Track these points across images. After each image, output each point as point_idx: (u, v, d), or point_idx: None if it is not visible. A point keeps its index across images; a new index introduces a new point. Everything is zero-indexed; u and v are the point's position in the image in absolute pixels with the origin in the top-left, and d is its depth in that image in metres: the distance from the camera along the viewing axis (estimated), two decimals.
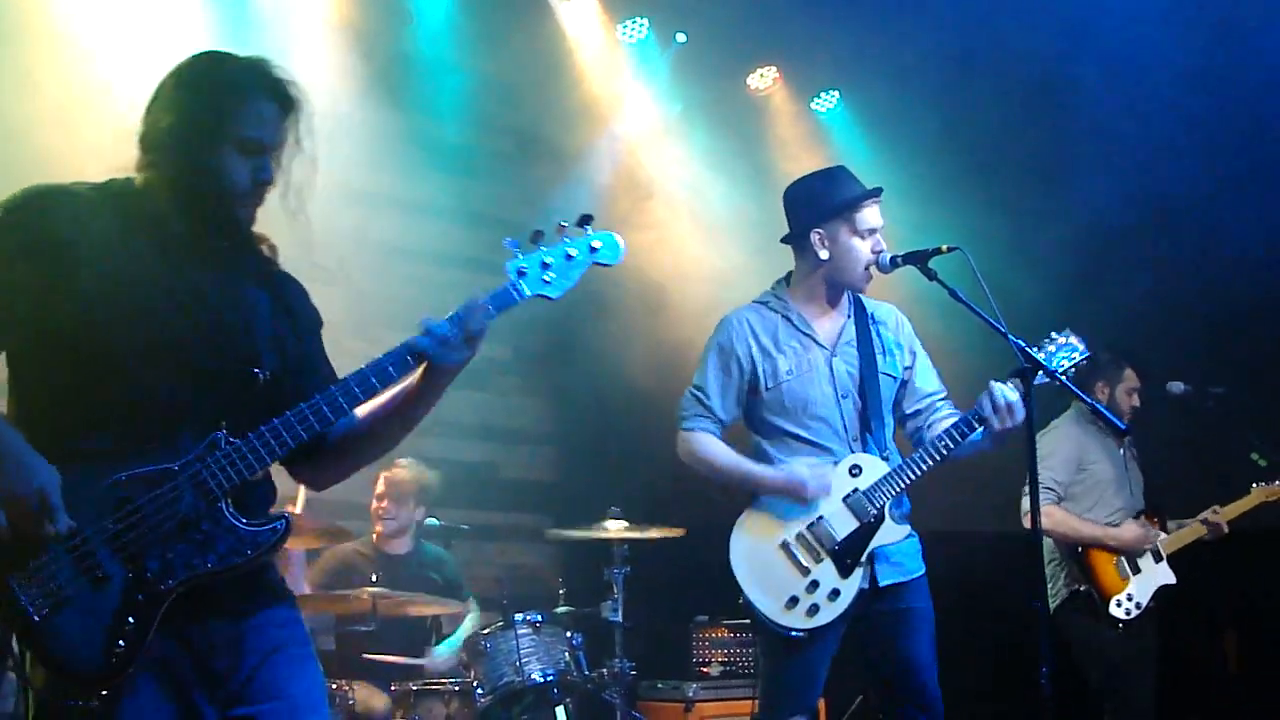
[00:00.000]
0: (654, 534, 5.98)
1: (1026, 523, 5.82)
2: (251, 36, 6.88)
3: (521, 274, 2.85)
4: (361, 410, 2.85)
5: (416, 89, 7.48)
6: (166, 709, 2.60)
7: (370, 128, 7.35)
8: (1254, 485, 6.05)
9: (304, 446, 2.76)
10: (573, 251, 2.87)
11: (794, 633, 4.19)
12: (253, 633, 2.72)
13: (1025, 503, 5.83)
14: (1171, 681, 5.93)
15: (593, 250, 2.89)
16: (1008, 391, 4.06)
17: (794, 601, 4.19)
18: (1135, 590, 5.87)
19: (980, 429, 4.16)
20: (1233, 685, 7.32)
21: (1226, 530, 6.04)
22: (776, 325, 4.45)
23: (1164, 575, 5.97)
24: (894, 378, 4.47)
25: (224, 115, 2.72)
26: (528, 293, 2.85)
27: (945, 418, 4.39)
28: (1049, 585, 5.98)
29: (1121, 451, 6.19)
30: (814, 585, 4.20)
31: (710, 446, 4.41)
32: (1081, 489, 6.05)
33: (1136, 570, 5.92)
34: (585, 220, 2.91)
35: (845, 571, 4.22)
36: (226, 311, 2.77)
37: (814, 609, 4.18)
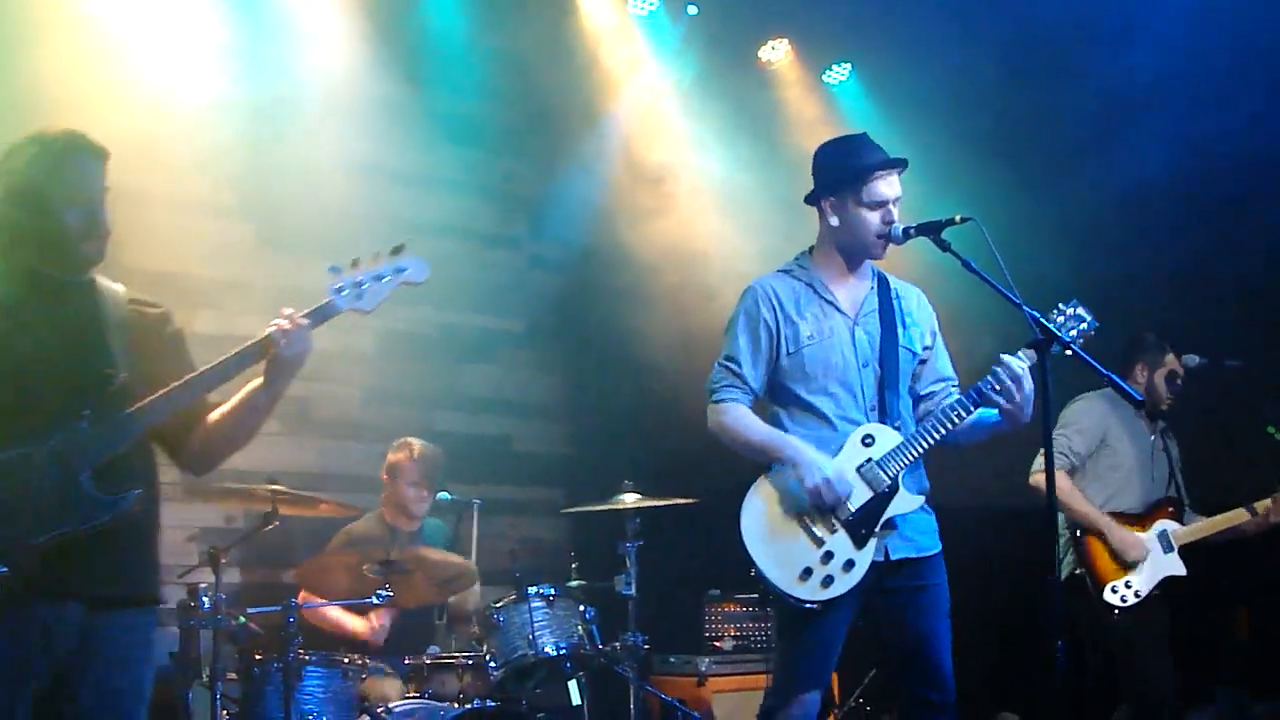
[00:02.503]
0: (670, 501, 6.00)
1: (1032, 481, 5.81)
2: (264, 13, 6.86)
3: (339, 292, 3.46)
4: (229, 403, 3.55)
5: (428, 63, 7.43)
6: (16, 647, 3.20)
7: (382, 102, 7.34)
8: None
9: (176, 433, 3.53)
10: (382, 275, 3.49)
11: (808, 604, 4.15)
12: (99, 629, 3.33)
13: (1034, 464, 5.81)
14: (1183, 659, 5.88)
15: (399, 271, 3.50)
16: (1016, 364, 4.12)
17: (808, 573, 4.15)
18: (1135, 579, 5.78)
19: (995, 407, 4.18)
20: (1245, 662, 7.30)
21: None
22: (799, 292, 4.43)
23: (1172, 566, 5.86)
24: (913, 353, 4.46)
25: (52, 176, 3.40)
26: (343, 308, 3.47)
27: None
28: (1064, 560, 5.92)
29: (1152, 437, 6.12)
30: (828, 556, 4.16)
31: (744, 418, 4.35)
32: (1102, 466, 6.00)
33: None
34: (398, 249, 3.51)
35: (860, 542, 4.19)
36: (83, 327, 3.45)
37: (828, 580, 4.14)
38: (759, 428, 4.34)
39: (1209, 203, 6.80)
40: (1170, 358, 6.11)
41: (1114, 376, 3.96)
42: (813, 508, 4.19)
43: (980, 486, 6.32)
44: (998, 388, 4.13)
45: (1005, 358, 4.15)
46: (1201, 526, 5.99)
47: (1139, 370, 6.11)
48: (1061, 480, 5.84)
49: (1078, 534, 5.86)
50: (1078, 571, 5.84)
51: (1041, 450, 5.71)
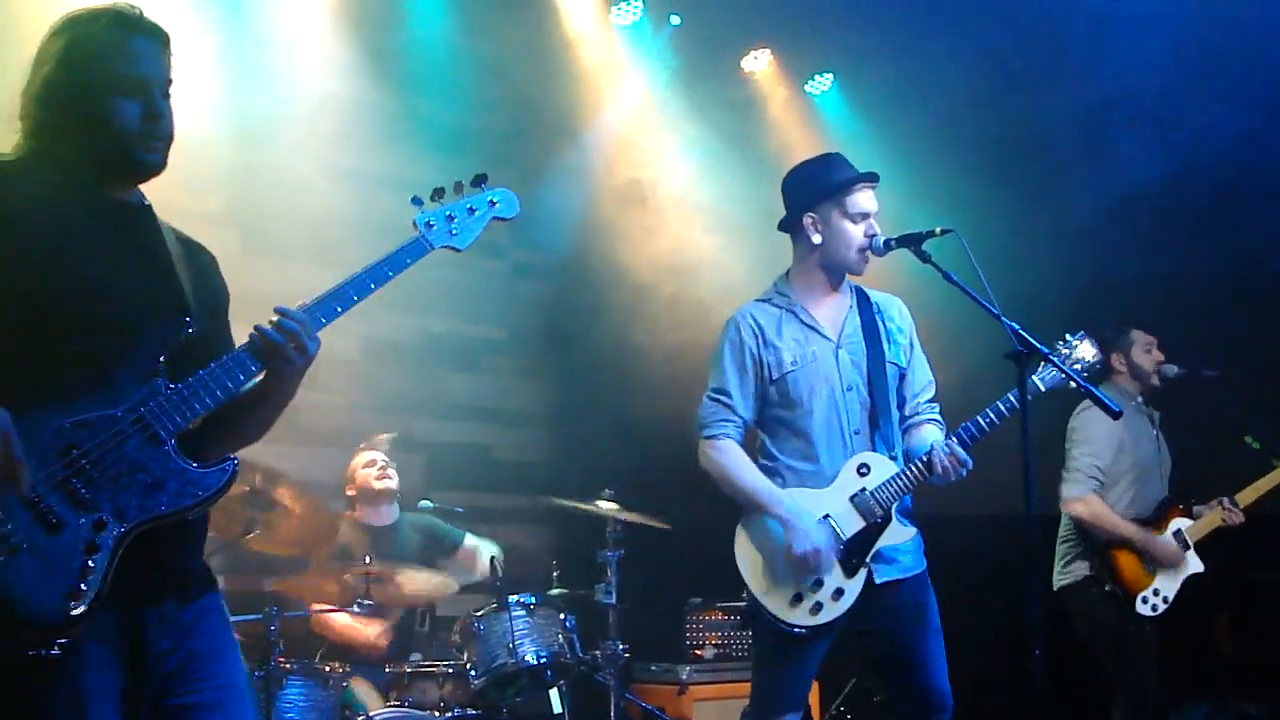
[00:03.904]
0: (644, 519, 5.99)
1: (1067, 509, 5.79)
2: (244, 16, 6.86)
3: (430, 226, 3.05)
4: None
5: (410, 69, 7.44)
6: (111, 676, 2.58)
7: (367, 110, 7.34)
8: (1275, 461, 5.92)
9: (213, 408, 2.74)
10: (473, 207, 3.09)
11: (797, 630, 4.19)
12: (199, 617, 2.74)
13: (1064, 489, 5.79)
14: (1165, 665, 5.90)
15: (491, 205, 3.11)
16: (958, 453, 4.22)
17: (798, 599, 4.19)
18: (1162, 584, 5.77)
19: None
20: (1226, 668, 7.32)
21: (1243, 517, 5.94)
22: (779, 319, 4.42)
23: (1192, 564, 5.86)
24: (899, 367, 4.47)
25: (97, 58, 2.73)
26: (437, 244, 3.05)
27: (926, 422, 4.47)
28: (1059, 563, 5.94)
29: (1155, 432, 6.09)
30: (818, 584, 4.20)
31: (738, 461, 4.33)
32: (1120, 471, 5.91)
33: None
34: (480, 179, 3.10)
35: (850, 571, 4.22)
36: (154, 262, 2.80)
37: (818, 607, 4.18)
38: (751, 476, 4.32)
39: (1197, 210, 6.80)
40: (1136, 333, 6.04)
41: (1093, 389, 3.97)
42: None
43: (964, 494, 6.33)
44: (939, 470, 4.21)
45: (955, 448, 4.22)
46: (1211, 519, 5.95)
47: (1116, 361, 6.03)
48: (1093, 501, 5.79)
49: (1104, 545, 5.80)
50: (1106, 588, 5.78)
51: (1065, 474, 5.76)
